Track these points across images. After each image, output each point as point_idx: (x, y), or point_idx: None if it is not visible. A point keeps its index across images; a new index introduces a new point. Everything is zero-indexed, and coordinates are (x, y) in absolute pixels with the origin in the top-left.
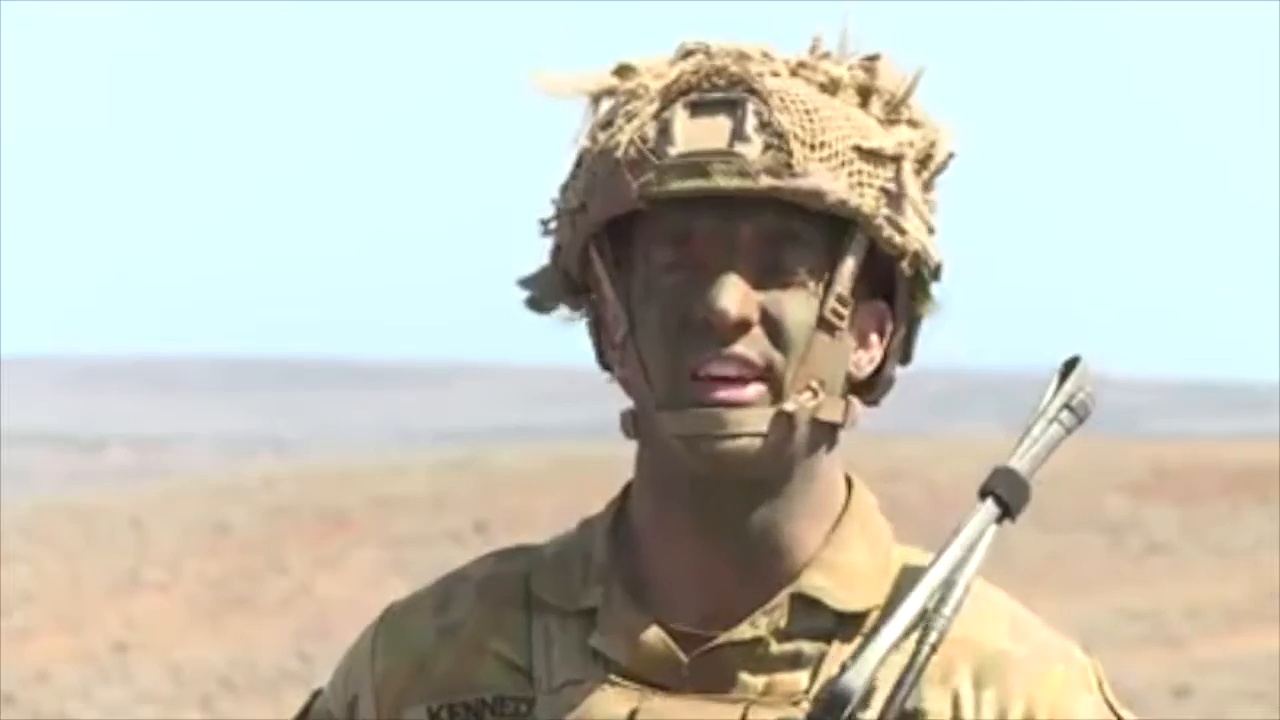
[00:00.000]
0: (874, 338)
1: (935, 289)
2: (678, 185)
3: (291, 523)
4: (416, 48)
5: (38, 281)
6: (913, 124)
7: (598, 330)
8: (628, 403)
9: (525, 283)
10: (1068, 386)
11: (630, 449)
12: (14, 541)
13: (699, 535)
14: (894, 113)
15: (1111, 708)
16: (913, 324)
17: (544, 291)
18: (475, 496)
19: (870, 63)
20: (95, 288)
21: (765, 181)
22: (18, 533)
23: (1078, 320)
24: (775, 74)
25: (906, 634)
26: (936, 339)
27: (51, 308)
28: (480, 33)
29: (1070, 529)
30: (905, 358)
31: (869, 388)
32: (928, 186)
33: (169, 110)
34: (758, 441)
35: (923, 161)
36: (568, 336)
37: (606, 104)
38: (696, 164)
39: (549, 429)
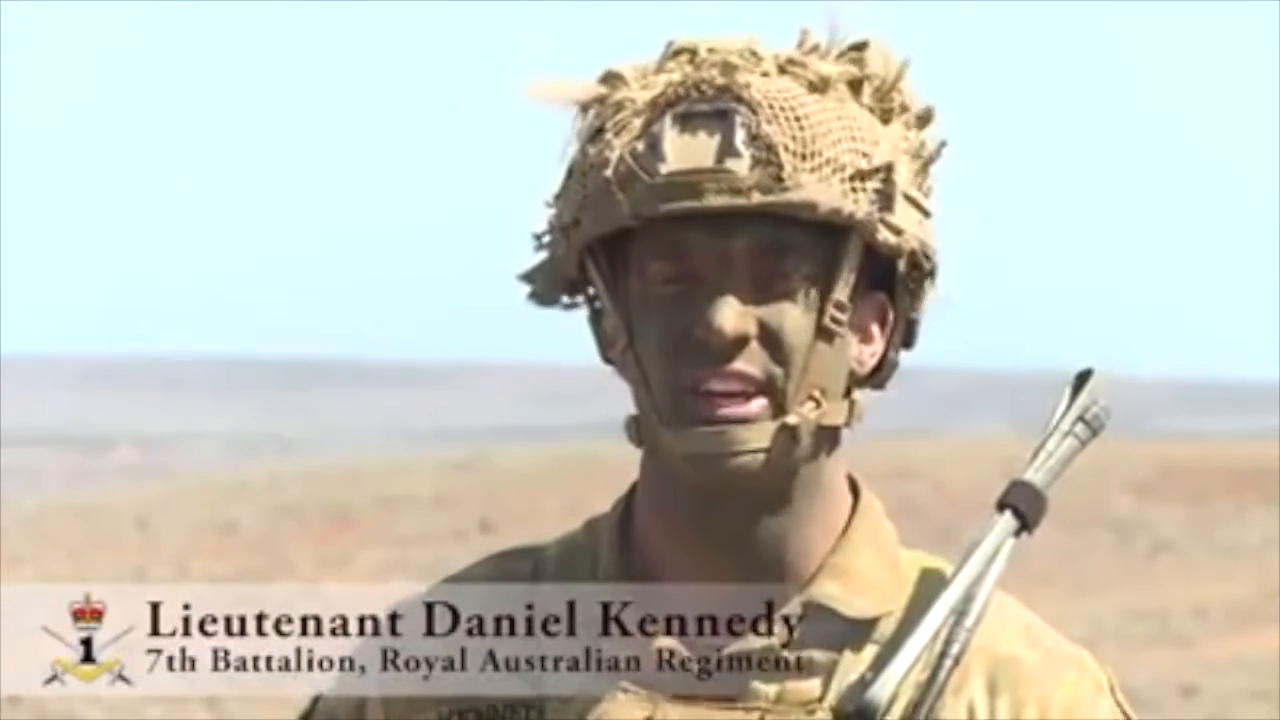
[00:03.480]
0: (875, 330)
1: (935, 277)
2: (669, 205)
3: (297, 522)
4: (417, 43)
5: (41, 281)
6: (904, 109)
7: (599, 326)
8: (633, 402)
9: (526, 277)
10: (1081, 399)
11: (635, 449)
12: (19, 541)
13: (706, 544)
14: (885, 99)
15: (1126, 714)
16: (914, 312)
17: (545, 287)
18: (480, 496)
19: (858, 53)
20: (100, 287)
21: (757, 198)
22: (22, 532)
23: (1086, 320)
24: (764, 74)
25: (928, 646)
26: (943, 337)
27: (55, 307)
28: (482, 26)
29: (1077, 528)
30: (908, 343)
31: (873, 376)
32: (922, 176)
33: (170, 110)
34: (761, 457)
35: (915, 152)
36: (573, 335)
37: (594, 112)
38: (688, 183)
39: (554, 428)
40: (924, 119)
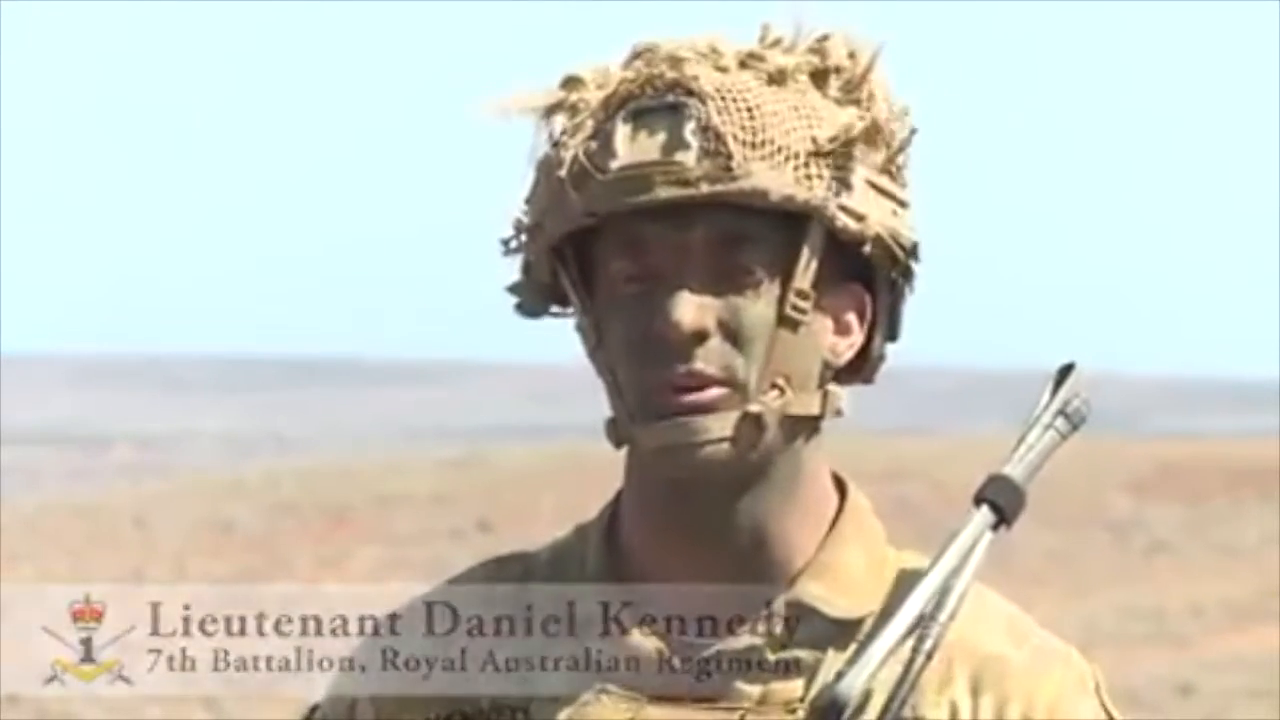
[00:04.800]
0: (853, 321)
1: (912, 265)
2: (621, 200)
3: (294, 521)
4: (416, 43)
5: (41, 279)
6: (872, 99)
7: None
8: (608, 403)
9: (512, 289)
10: (1062, 393)
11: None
12: (18, 539)
13: (688, 541)
14: (853, 91)
15: (1109, 713)
16: (893, 303)
17: (529, 298)
18: (477, 495)
19: (821, 44)
20: (98, 286)
21: (705, 188)
22: (21, 531)
23: (1084, 319)
24: (722, 69)
25: (902, 640)
26: (941, 337)
27: (55, 306)
28: (482, 26)
29: (1074, 527)
30: (892, 335)
31: (857, 369)
32: (891, 163)
33: (170, 110)
34: (726, 446)
35: (882, 137)
36: (571, 335)
37: (557, 118)
38: (637, 176)
39: (552, 427)
40: (897, 109)
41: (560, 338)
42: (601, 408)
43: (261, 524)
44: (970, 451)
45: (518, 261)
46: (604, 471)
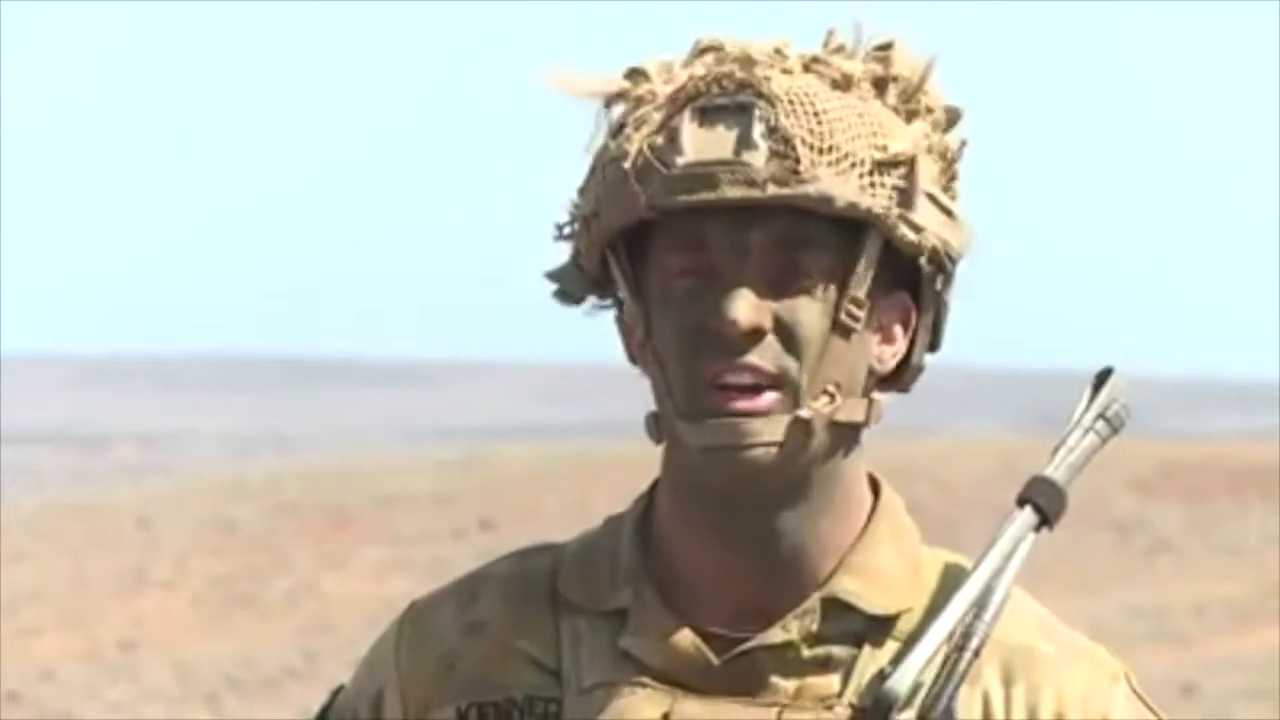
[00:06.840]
0: (898, 330)
1: (958, 277)
2: (685, 197)
3: (296, 521)
4: (416, 43)
5: (41, 279)
6: (929, 111)
7: (623, 323)
8: (639, 401)
9: (553, 275)
10: (1102, 397)
11: (634, 447)
12: (19, 539)
13: (725, 541)
14: (910, 100)
15: (1144, 702)
16: (938, 313)
17: (570, 286)
18: (479, 494)
19: (884, 52)
20: (100, 285)
21: (772, 189)
22: (22, 531)
23: (1087, 318)
24: (787, 72)
25: (947, 639)
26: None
27: (56, 305)
28: (483, 25)
29: (1077, 526)
30: (934, 345)
31: (897, 378)
32: (946, 176)
33: (170, 110)
34: (774, 450)
35: (940, 152)
36: (572, 335)
37: (618, 108)
38: (704, 174)
39: (554, 427)
40: (951, 120)
41: (561, 338)
42: (603, 408)
43: (263, 524)
44: (974, 451)
45: (528, 254)
46: (607, 471)
